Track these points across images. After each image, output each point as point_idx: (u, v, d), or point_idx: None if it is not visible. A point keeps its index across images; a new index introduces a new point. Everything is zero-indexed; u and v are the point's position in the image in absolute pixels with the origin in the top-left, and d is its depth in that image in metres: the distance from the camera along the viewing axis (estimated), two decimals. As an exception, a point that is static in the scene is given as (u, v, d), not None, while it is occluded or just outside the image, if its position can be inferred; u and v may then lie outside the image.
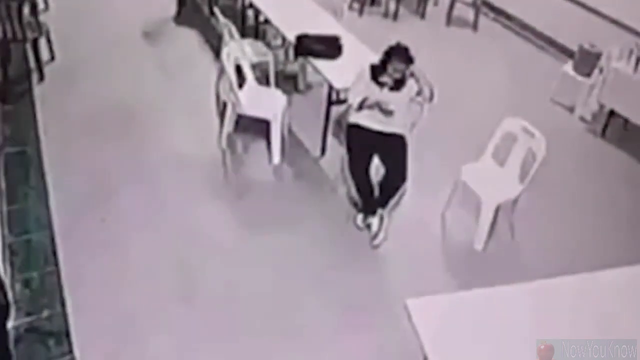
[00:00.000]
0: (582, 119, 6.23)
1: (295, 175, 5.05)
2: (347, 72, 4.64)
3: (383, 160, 4.42)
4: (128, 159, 4.93)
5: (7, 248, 3.96)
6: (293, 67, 6.29)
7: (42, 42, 5.94)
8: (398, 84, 4.34)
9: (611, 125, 5.97)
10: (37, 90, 5.70)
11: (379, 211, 4.38)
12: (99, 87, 5.86)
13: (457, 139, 5.44)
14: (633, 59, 5.58)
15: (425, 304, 2.78)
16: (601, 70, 6.01)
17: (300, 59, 5.79)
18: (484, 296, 2.92)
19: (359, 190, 4.41)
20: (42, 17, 6.24)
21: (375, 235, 4.36)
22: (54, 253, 3.97)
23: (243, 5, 6.81)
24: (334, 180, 4.92)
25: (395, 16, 8.30)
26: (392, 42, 4.35)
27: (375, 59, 4.47)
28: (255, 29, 6.50)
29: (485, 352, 2.63)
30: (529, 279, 3.02)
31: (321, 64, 5.01)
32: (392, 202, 4.41)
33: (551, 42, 7.75)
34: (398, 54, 4.26)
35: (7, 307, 3.41)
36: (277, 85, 5.54)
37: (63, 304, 3.62)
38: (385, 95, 4.32)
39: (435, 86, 4.33)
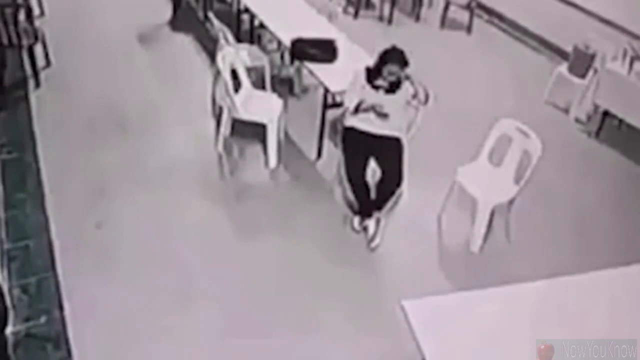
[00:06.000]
0: (577, 119, 6.26)
1: (291, 178, 5.06)
2: (342, 76, 4.66)
3: (379, 163, 4.43)
4: (124, 163, 4.94)
5: (5, 254, 3.96)
6: (289, 71, 6.31)
7: (38, 48, 5.95)
8: (393, 87, 4.35)
9: (606, 126, 6.00)
10: (34, 96, 5.71)
11: (376, 214, 4.40)
12: (95, 92, 5.86)
13: (452, 141, 5.45)
14: (627, 59, 5.60)
15: (421, 305, 2.79)
16: (596, 71, 6.04)
17: (296, 63, 5.81)
18: (481, 297, 2.93)
19: (355, 193, 4.42)
20: (37, 23, 6.26)
21: (372, 238, 4.38)
22: (52, 258, 3.97)
23: (238, 9, 6.82)
24: (331, 183, 4.93)
25: (390, 19, 8.32)
26: (387, 45, 4.36)
27: (371, 62, 4.48)
28: (250, 33, 6.51)
29: (484, 353, 2.64)
30: (525, 281, 3.04)
31: (317, 67, 5.02)
32: (388, 204, 4.42)
33: (545, 44, 7.78)
34: (393, 57, 4.28)
35: (5, 313, 3.42)
36: (273, 89, 5.55)
37: (61, 309, 3.63)
38: (380, 98, 4.33)
39: (430, 88, 4.34)
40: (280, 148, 5.17)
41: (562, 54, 7.20)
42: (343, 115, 4.68)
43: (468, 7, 8.13)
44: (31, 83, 5.86)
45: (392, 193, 4.38)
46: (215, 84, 5.73)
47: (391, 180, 4.36)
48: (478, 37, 8.18)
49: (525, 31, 8.11)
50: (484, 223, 4.33)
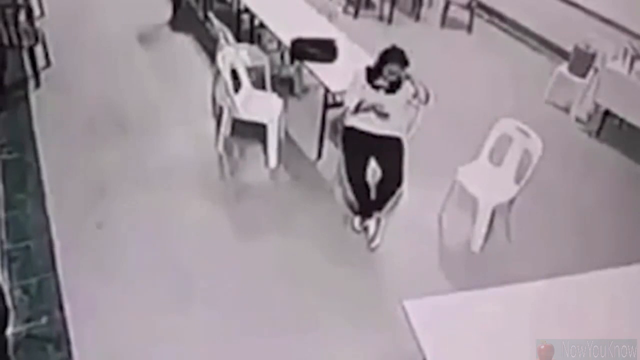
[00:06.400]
0: (578, 119, 6.25)
1: (291, 178, 5.06)
2: (342, 76, 4.66)
3: (379, 162, 4.43)
4: (124, 163, 4.94)
5: (6, 255, 3.96)
6: (289, 70, 6.31)
7: (38, 49, 5.95)
8: (394, 87, 4.35)
9: (606, 125, 6.00)
10: (34, 96, 5.71)
11: (376, 214, 4.39)
12: (95, 92, 5.87)
13: (452, 141, 5.45)
14: (628, 59, 5.60)
15: (421, 305, 2.80)
16: (596, 71, 6.04)
17: (296, 63, 5.81)
18: (481, 297, 2.93)
19: (355, 193, 4.41)
20: (37, 24, 6.26)
21: (373, 238, 4.38)
22: (52, 259, 3.97)
23: (238, 9, 6.82)
24: (331, 183, 4.93)
25: (390, 19, 8.32)
26: (387, 45, 4.36)
27: (371, 61, 4.48)
28: (250, 33, 6.51)
29: (484, 353, 2.64)
30: (525, 281, 3.04)
31: (317, 67, 5.02)
32: (388, 205, 4.42)
33: (546, 43, 7.78)
34: (393, 56, 4.28)
35: (6, 314, 3.42)
36: (273, 89, 5.55)
37: (62, 310, 3.63)
38: (381, 98, 4.33)
39: (430, 88, 4.34)
40: (281, 148, 5.17)
41: (562, 54, 7.20)
42: (343, 115, 4.67)
43: (468, 6, 8.13)
44: (31, 83, 5.86)
45: (393, 193, 4.37)
46: (215, 84, 5.74)
47: (391, 180, 4.36)
48: (478, 37, 8.18)
49: (525, 31, 8.11)
50: (485, 223, 4.32)
